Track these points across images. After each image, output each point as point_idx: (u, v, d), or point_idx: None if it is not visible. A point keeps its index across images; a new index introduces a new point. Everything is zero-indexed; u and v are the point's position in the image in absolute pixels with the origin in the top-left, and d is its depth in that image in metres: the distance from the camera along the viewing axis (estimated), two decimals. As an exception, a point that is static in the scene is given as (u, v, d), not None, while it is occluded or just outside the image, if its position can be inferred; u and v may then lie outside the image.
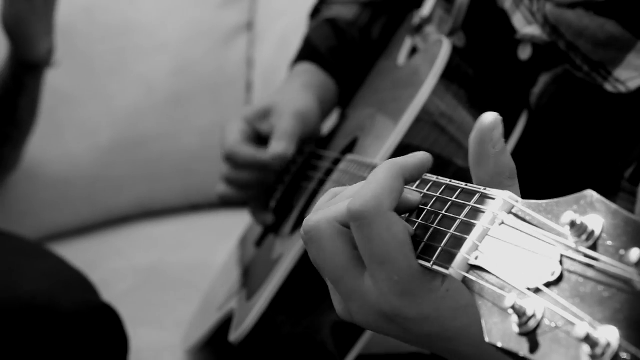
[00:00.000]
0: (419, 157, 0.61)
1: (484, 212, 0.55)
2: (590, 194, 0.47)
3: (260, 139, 1.18)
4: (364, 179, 0.67)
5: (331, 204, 0.65)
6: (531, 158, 0.97)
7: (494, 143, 0.57)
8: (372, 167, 0.82)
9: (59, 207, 1.71)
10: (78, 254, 1.43)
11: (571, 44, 0.91)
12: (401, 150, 0.99)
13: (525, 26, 1.00)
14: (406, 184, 0.61)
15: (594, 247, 0.44)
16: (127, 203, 1.80)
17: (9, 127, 1.48)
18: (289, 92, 1.22)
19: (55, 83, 1.46)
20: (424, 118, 1.01)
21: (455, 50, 1.06)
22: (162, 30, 1.77)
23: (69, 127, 1.68)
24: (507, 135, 0.99)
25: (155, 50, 1.76)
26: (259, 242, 1.24)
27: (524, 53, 1.02)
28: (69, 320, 1.20)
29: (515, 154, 0.99)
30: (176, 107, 1.79)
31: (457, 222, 0.57)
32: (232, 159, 1.16)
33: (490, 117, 0.56)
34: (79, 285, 1.27)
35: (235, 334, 1.06)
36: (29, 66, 1.41)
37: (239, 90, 1.83)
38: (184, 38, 1.79)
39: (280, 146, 1.12)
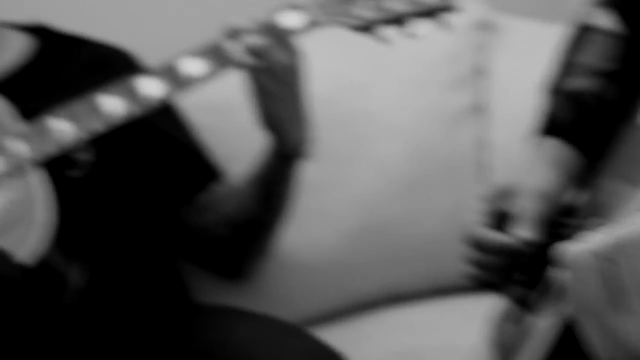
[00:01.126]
0: None
1: None
2: None
3: (503, 219, 1.17)
4: None
5: (589, 237, 0.66)
6: None
7: None
8: None
9: (308, 292, 1.72)
10: (329, 339, 1.42)
11: None
12: None
13: None
14: None
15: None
16: (373, 288, 1.78)
17: (264, 214, 1.55)
18: (533, 171, 1.22)
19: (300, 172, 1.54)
20: None
21: None
22: (394, 115, 1.79)
23: (314, 214, 1.69)
24: None
25: (389, 135, 1.77)
26: (518, 317, 1.19)
27: None
28: None
29: None
30: (413, 190, 1.77)
31: None
32: (478, 244, 1.16)
33: None
34: None
35: None
36: (286, 158, 1.48)
37: (472, 172, 1.82)
38: (415, 122, 1.79)
39: (528, 232, 1.12)
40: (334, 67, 1.70)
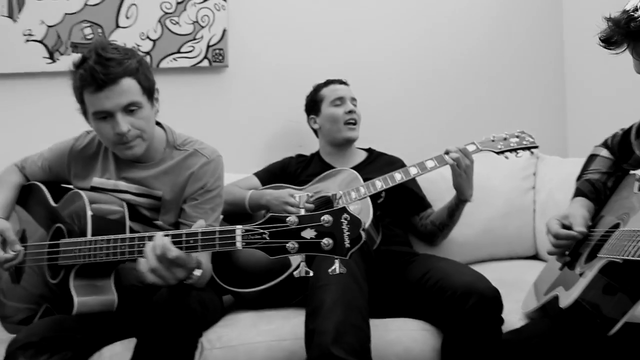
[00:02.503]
0: None
1: None
2: None
3: (564, 226, 1.22)
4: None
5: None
6: None
7: None
8: None
9: (463, 253, 1.85)
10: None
11: None
12: None
13: None
14: None
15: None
16: (484, 255, 1.90)
17: (449, 222, 1.70)
18: (574, 207, 1.26)
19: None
20: None
21: None
22: (500, 188, 1.93)
23: (465, 223, 1.78)
24: None
25: (497, 195, 1.93)
26: (561, 268, 1.25)
27: None
28: (485, 298, 1.24)
29: None
30: (506, 217, 1.91)
31: None
32: (556, 237, 1.20)
33: None
34: (488, 282, 1.30)
35: (565, 303, 1.08)
36: (461, 201, 1.62)
37: (530, 212, 1.94)
38: (508, 190, 1.93)
39: (580, 228, 1.19)
40: (477, 168, 1.63)
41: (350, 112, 1.82)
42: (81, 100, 1.28)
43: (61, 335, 1.13)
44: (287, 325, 1.32)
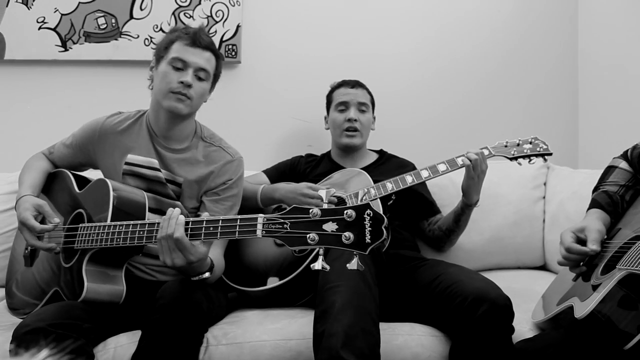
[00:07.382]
0: None
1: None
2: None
3: (579, 240, 1.18)
4: None
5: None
6: None
7: None
8: None
9: (472, 260, 1.82)
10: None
11: None
12: None
13: None
14: None
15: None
16: (492, 263, 1.86)
17: (455, 228, 1.65)
18: (590, 220, 1.22)
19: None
20: None
21: None
22: (509, 196, 1.90)
23: (474, 229, 1.78)
24: None
25: (507, 204, 1.88)
26: (575, 279, 1.21)
27: None
28: (496, 306, 1.18)
29: None
30: (515, 226, 1.86)
31: None
32: (568, 251, 1.16)
33: None
34: (499, 290, 1.23)
35: (580, 313, 1.05)
36: (468, 206, 1.60)
37: (540, 222, 1.90)
38: (518, 200, 1.89)
39: (594, 246, 1.13)
40: (488, 175, 1.60)
41: (350, 120, 1.76)
42: (166, 47, 1.40)
43: (69, 323, 1.11)
44: (293, 325, 1.29)
